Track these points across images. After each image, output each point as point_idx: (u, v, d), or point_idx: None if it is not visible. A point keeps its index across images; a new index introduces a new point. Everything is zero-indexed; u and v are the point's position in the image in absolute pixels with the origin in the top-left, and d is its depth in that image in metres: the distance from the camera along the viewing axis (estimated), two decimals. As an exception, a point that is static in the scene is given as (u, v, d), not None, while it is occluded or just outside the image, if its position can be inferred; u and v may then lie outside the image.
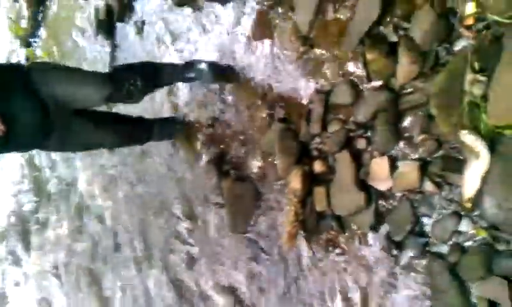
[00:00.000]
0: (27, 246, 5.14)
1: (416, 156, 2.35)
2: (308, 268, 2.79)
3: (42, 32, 5.11)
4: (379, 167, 2.42)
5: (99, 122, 2.87)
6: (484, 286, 2.13)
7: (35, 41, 5.17)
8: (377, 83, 2.43)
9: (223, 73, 3.07)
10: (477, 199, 2.11)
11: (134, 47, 3.93)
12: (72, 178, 4.57)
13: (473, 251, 2.18)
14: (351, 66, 2.54)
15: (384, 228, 2.48)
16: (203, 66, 3.00)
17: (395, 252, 2.43)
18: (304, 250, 2.77)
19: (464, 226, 2.20)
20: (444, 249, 2.28)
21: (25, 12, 5.21)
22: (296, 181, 2.64)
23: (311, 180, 2.66)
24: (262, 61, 2.96)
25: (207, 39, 3.29)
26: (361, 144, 2.50)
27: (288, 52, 2.83)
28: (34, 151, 4.79)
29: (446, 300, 2.22)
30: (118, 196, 4.07)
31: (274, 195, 2.93)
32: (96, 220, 4.31)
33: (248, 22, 3.03)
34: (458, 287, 2.18)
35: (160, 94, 3.38)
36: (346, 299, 2.63)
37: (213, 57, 3.19)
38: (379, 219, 2.48)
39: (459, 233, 2.23)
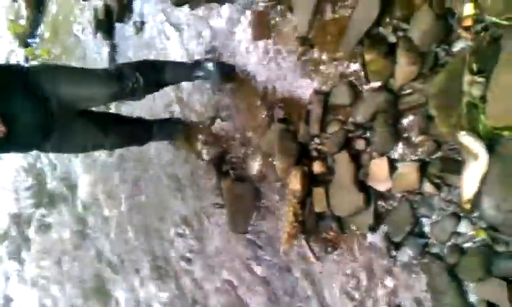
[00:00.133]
0: (27, 249, 5.13)
1: (416, 157, 2.36)
2: (308, 268, 2.79)
3: (41, 32, 5.10)
4: (378, 168, 2.43)
5: (100, 123, 2.86)
6: (483, 287, 2.14)
7: (34, 42, 5.16)
8: (376, 84, 2.43)
9: (226, 73, 3.08)
10: (476, 200, 2.11)
11: (133, 47, 3.93)
12: (73, 181, 4.57)
13: (472, 252, 2.18)
14: (349, 67, 2.54)
15: (383, 229, 2.48)
16: (210, 65, 3.01)
17: (394, 253, 2.43)
18: (304, 251, 2.77)
19: (464, 227, 2.21)
20: (443, 250, 2.28)
21: (24, 12, 5.19)
22: (295, 182, 2.64)
23: (310, 181, 2.66)
24: (261, 61, 2.96)
25: (206, 39, 3.29)
26: (360, 145, 2.50)
27: (287, 53, 2.83)
28: (34, 153, 4.80)
29: (445, 301, 2.23)
30: (120, 199, 4.08)
31: (274, 195, 2.94)
32: (98, 223, 4.32)
33: (246, 22, 3.03)
34: (457, 288, 2.19)
35: (160, 93, 3.38)
36: (345, 300, 2.63)
37: (212, 56, 3.19)
38: (379, 219, 2.49)
39: (458, 234, 2.23)
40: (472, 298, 2.20)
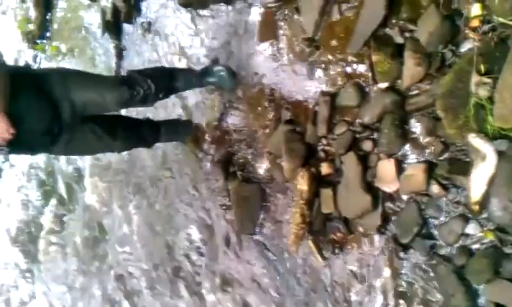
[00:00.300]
0: (35, 254, 5.15)
1: (423, 158, 2.35)
2: (315, 269, 2.79)
3: (50, 32, 5.13)
4: (385, 169, 2.42)
5: (108, 126, 2.88)
6: (491, 289, 2.12)
7: (43, 42, 5.19)
8: (383, 85, 2.42)
9: (235, 76, 3.09)
10: (484, 202, 2.10)
11: (141, 48, 3.95)
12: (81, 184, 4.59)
13: (480, 253, 2.17)
14: (356, 68, 2.54)
15: (391, 230, 2.47)
16: (221, 70, 3.02)
17: (402, 254, 2.42)
18: (311, 252, 2.77)
19: (472, 228, 2.19)
20: (451, 251, 2.27)
21: (33, 12, 5.22)
22: (302, 183, 2.64)
23: (318, 182, 2.66)
24: (268, 62, 2.96)
25: (212, 40, 3.30)
26: (367, 146, 2.50)
27: (294, 54, 2.83)
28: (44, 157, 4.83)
29: (453, 303, 2.21)
30: (127, 200, 4.09)
31: (281, 197, 2.94)
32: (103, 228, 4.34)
33: (253, 24, 3.03)
34: (465, 290, 2.17)
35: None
36: (352, 301, 2.63)
37: (220, 58, 3.20)
38: (386, 221, 2.48)
39: (467, 235, 2.22)
40: (481, 300, 2.18)
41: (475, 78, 2.05)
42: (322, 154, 2.70)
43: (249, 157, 3.10)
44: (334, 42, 2.63)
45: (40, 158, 4.86)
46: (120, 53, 4.18)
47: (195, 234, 3.51)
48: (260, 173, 3.05)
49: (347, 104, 2.56)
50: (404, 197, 2.42)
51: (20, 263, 5.24)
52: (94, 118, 2.79)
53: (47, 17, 5.11)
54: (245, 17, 3.08)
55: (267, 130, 2.97)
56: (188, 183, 3.54)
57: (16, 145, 2.44)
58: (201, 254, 3.47)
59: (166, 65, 3.55)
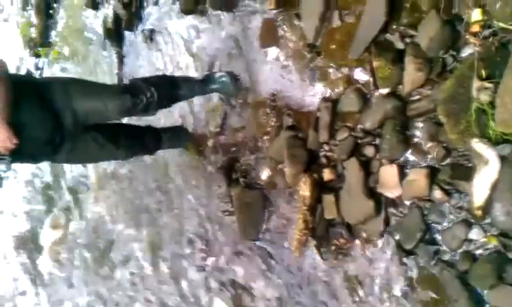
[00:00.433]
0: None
1: (425, 163, 2.35)
2: (318, 275, 2.79)
3: (51, 39, 5.14)
4: (388, 174, 2.42)
5: (111, 135, 2.87)
6: (495, 294, 2.11)
7: (45, 48, 5.20)
8: (385, 90, 2.43)
9: (238, 82, 3.09)
10: (487, 207, 2.10)
11: (142, 55, 3.95)
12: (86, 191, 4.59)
13: (484, 259, 2.16)
14: (357, 74, 2.54)
15: (394, 236, 2.47)
16: (224, 77, 3.02)
17: (405, 260, 2.42)
18: (314, 257, 2.77)
19: (475, 233, 2.19)
20: (455, 257, 2.27)
21: (35, 20, 5.24)
22: (304, 189, 2.65)
23: (320, 188, 2.66)
24: (269, 69, 2.97)
25: (214, 47, 3.30)
26: (369, 151, 2.50)
27: (295, 60, 2.84)
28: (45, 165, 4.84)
29: (457, 309, 2.21)
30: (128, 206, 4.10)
31: (284, 202, 2.94)
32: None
33: (255, 30, 3.04)
34: (469, 295, 2.16)
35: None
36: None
37: (222, 65, 3.21)
38: (389, 226, 2.48)
39: (470, 241, 2.21)
40: (484, 305, 2.17)
41: (476, 83, 2.05)
42: (324, 160, 2.70)
43: (252, 163, 3.11)
44: (335, 48, 2.64)
45: (45, 167, 4.90)
46: (121, 60, 4.18)
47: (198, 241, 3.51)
48: (263, 179, 3.04)
49: (348, 110, 2.57)
50: (407, 202, 2.42)
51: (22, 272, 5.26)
52: (96, 126, 2.79)
53: (49, 24, 5.13)
54: (246, 24, 3.09)
55: (269, 136, 2.98)
56: (190, 189, 3.54)
57: (19, 154, 2.44)
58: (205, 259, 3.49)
59: (168, 73, 3.56)
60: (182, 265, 3.61)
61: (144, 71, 3.82)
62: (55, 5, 5.00)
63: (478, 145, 2.08)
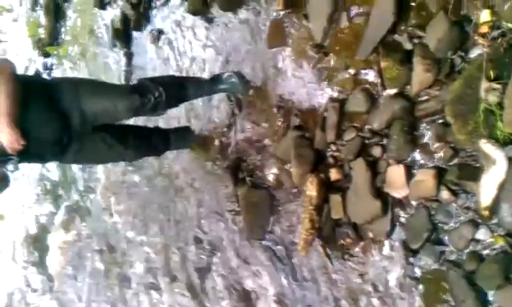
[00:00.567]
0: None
1: (432, 164, 2.35)
2: (324, 275, 2.79)
3: (60, 39, 5.17)
4: (395, 175, 2.42)
5: (119, 136, 2.89)
6: (502, 294, 2.11)
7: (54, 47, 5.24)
8: (392, 91, 2.43)
9: (246, 82, 3.10)
10: (494, 207, 2.10)
11: (150, 55, 3.98)
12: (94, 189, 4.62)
13: (491, 259, 2.16)
14: (365, 74, 2.55)
15: (401, 236, 2.47)
16: (233, 77, 3.03)
17: (412, 260, 2.42)
18: (320, 257, 2.77)
19: (482, 234, 2.19)
20: (461, 257, 2.26)
21: (44, 20, 5.28)
22: (311, 189, 2.65)
23: (327, 188, 2.66)
24: (276, 69, 2.97)
25: (222, 48, 3.32)
26: (376, 152, 2.50)
27: (302, 60, 2.84)
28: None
29: (464, 309, 2.21)
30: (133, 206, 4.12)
31: (290, 202, 2.94)
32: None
33: (262, 31, 3.05)
34: (476, 296, 2.16)
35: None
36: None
37: (230, 65, 3.22)
38: (396, 226, 2.48)
39: (477, 241, 2.21)
40: (492, 306, 2.17)
41: (484, 84, 2.05)
42: (331, 160, 2.70)
43: (258, 163, 3.11)
44: (343, 48, 2.64)
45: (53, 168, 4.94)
46: (129, 61, 4.21)
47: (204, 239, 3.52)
48: (269, 179, 3.05)
49: (356, 110, 2.57)
50: (414, 203, 2.42)
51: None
52: (105, 127, 2.80)
53: (57, 25, 5.16)
54: (254, 24, 3.10)
55: (276, 136, 2.98)
56: (197, 189, 3.56)
57: (26, 154, 2.46)
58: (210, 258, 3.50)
59: (176, 73, 3.57)
60: (188, 264, 3.63)
61: (153, 72, 3.84)
62: (65, 4, 5.03)
63: (486, 146, 2.07)
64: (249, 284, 3.21)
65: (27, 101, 2.40)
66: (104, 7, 4.45)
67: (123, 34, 4.25)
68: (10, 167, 2.42)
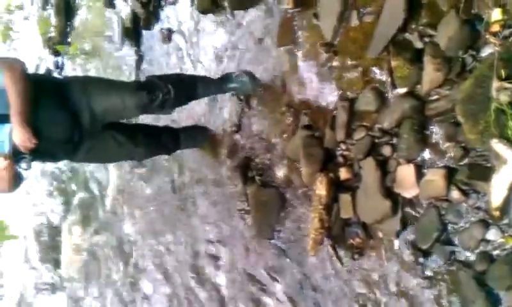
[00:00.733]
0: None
1: (443, 163, 2.33)
2: (334, 275, 2.78)
3: (70, 38, 5.20)
4: (405, 174, 2.41)
5: (129, 134, 2.91)
6: (513, 295, 2.10)
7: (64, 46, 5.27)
8: (403, 90, 2.42)
9: (256, 81, 3.10)
10: (505, 207, 2.08)
11: (160, 54, 3.99)
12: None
13: (501, 259, 2.14)
14: (375, 73, 2.53)
15: (410, 236, 2.46)
16: (243, 76, 3.03)
17: (421, 260, 2.41)
18: (330, 257, 2.77)
19: (492, 234, 2.17)
20: (472, 257, 2.25)
21: (54, 20, 5.31)
22: (321, 188, 2.64)
23: (336, 187, 2.66)
24: (286, 68, 2.97)
25: (231, 46, 3.32)
26: (386, 151, 2.49)
27: (312, 59, 2.84)
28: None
29: (474, 310, 2.19)
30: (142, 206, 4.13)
31: (299, 201, 2.94)
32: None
33: (272, 29, 3.05)
34: (486, 297, 2.14)
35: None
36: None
37: (239, 64, 3.22)
38: (406, 226, 2.47)
39: (487, 241, 2.19)
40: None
41: (495, 83, 2.03)
42: (340, 159, 2.69)
43: (268, 161, 3.12)
44: (353, 47, 2.63)
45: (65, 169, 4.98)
46: (139, 59, 4.22)
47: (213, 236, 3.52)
48: (279, 178, 3.05)
49: (365, 109, 2.56)
50: (424, 202, 2.40)
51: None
52: (114, 125, 2.82)
53: (68, 24, 5.20)
54: (264, 23, 3.10)
55: (286, 135, 2.98)
56: (207, 188, 3.57)
57: (39, 153, 2.48)
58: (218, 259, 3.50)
59: (186, 71, 3.58)
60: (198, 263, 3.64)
61: (162, 70, 3.85)
62: (75, 3, 5.06)
63: (497, 145, 2.06)
64: (256, 282, 3.21)
65: (38, 100, 2.42)
66: (113, 6, 4.46)
67: (132, 33, 4.28)
68: (23, 165, 2.45)
